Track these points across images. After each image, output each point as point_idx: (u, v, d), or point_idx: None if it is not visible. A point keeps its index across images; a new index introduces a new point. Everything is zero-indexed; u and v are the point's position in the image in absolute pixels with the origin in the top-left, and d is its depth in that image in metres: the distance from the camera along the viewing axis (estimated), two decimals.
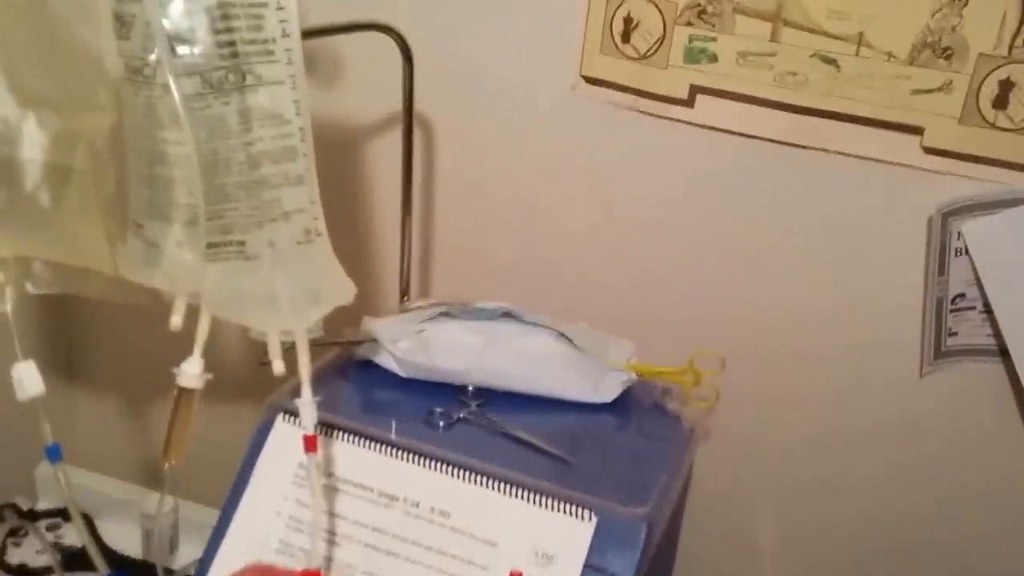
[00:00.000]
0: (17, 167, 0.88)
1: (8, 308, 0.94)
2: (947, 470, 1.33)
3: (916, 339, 1.27)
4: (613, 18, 1.28)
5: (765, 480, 1.44)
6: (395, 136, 1.33)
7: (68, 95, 0.87)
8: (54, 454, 0.99)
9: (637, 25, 1.27)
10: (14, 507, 1.68)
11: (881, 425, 1.34)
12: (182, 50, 0.76)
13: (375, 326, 1.17)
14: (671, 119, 1.30)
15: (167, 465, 0.95)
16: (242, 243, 0.84)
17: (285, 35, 0.80)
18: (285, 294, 0.87)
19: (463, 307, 1.21)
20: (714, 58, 1.24)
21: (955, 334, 1.25)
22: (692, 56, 1.25)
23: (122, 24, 0.79)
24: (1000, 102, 1.12)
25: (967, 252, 1.19)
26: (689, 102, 1.27)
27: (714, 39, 1.23)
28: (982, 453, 1.30)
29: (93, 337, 1.80)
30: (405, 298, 1.38)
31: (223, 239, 0.83)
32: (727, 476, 1.44)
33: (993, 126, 1.13)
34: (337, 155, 1.45)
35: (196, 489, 1.39)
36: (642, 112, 1.31)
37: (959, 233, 1.18)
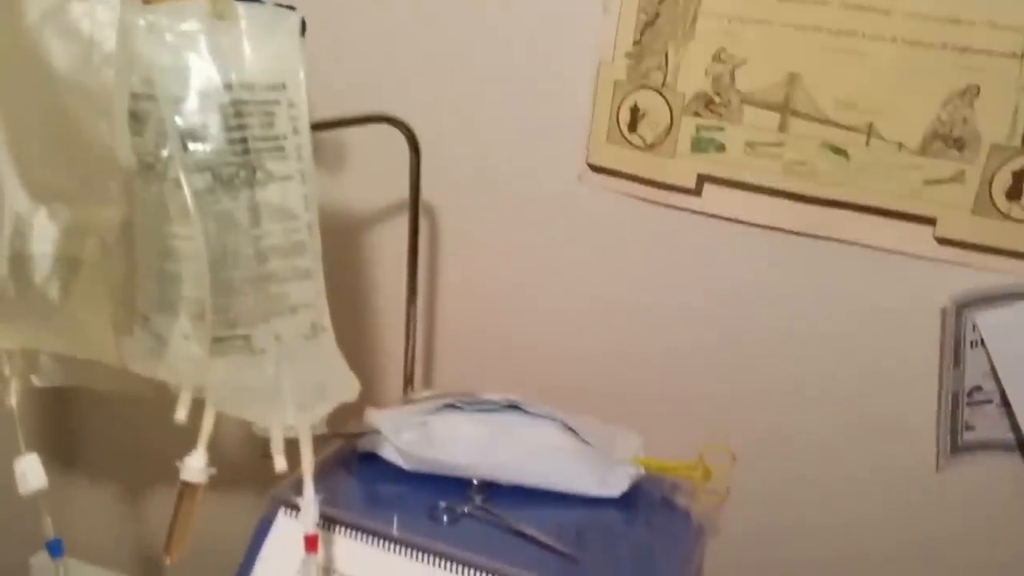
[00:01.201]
0: (28, 261, 0.88)
1: (13, 402, 0.93)
2: (964, 566, 1.31)
3: (932, 432, 1.25)
4: (620, 108, 1.28)
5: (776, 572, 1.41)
6: (397, 223, 1.32)
7: (80, 189, 0.87)
8: (55, 549, 0.98)
9: (644, 115, 1.27)
10: None
11: (897, 521, 1.31)
12: (194, 146, 0.76)
13: (378, 418, 1.15)
14: (678, 208, 1.29)
15: (169, 560, 0.93)
16: (248, 337, 0.83)
17: (296, 132, 0.81)
18: (290, 389, 0.86)
19: (468, 399, 1.19)
20: (722, 148, 1.23)
21: (972, 428, 1.23)
22: (700, 146, 1.25)
23: (136, 121, 0.79)
24: (1014, 193, 1.11)
25: (983, 344, 1.18)
26: (697, 191, 1.27)
27: (722, 129, 1.23)
28: (1001, 550, 1.28)
29: (91, 424, 1.79)
30: (409, 388, 1.36)
31: (229, 333, 0.83)
32: (737, 569, 1.41)
33: (1007, 217, 1.12)
34: (339, 242, 1.45)
35: None
36: (649, 201, 1.31)
37: (974, 325, 1.17)
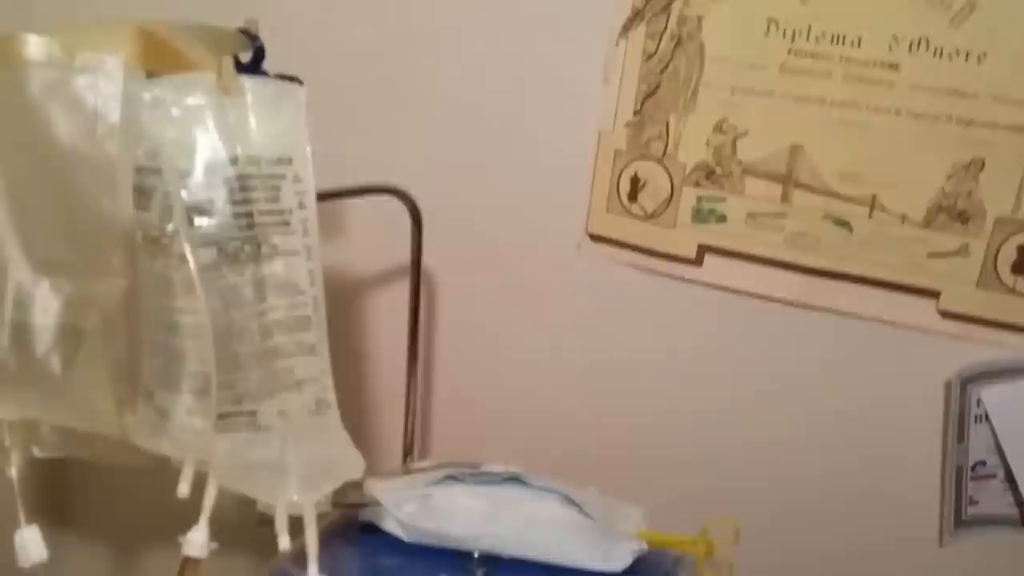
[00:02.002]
0: (29, 331, 0.87)
1: (13, 473, 0.93)
2: None
3: (935, 506, 1.24)
4: (620, 177, 1.28)
5: None
6: (395, 292, 1.32)
7: (82, 260, 0.86)
8: None
9: (644, 185, 1.27)
10: None
11: None
12: (200, 221, 0.76)
13: (379, 490, 1.14)
14: (679, 278, 1.29)
15: None
16: (253, 413, 0.83)
17: (302, 206, 0.81)
18: (295, 466, 0.85)
19: (469, 470, 1.18)
20: (723, 218, 1.23)
21: (976, 503, 1.22)
22: (701, 216, 1.24)
23: (141, 195, 0.79)
24: (1019, 267, 1.10)
25: (987, 419, 1.17)
26: (697, 261, 1.27)
27: (723, 199, 1.23)
28: None
29: (88, 487, 1.78)
30: (408, 457, 1.35)
31: (234, 409, 0.82)
32: None
33: (1012, 291, 1.12)
34: (333, 310, 1.44)
35: None
36: (649, 271, 1.30)
37: (979, 400, 1.16)
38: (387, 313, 1.47)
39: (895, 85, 1.11)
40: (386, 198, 1.19)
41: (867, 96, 1.12)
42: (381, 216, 1.31)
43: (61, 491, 1.78)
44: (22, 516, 0.92)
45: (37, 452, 0.95)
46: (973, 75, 1.07)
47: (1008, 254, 1.11)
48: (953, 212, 1.12)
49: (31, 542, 0.93)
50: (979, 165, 1.09)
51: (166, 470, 0.90)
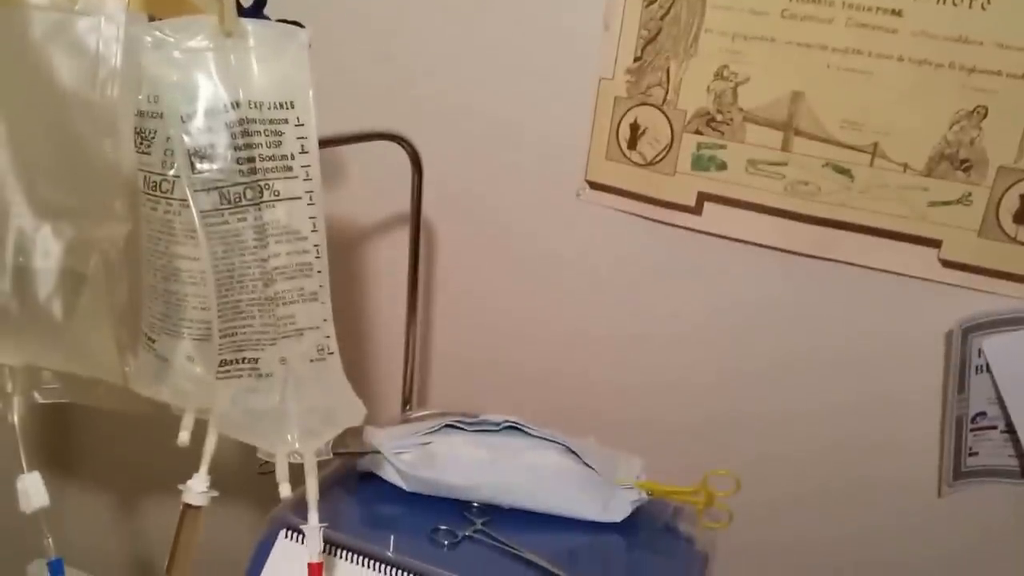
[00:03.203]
0: (30, 275, 0.87)
1: (15, 418, 0.92)
2: None
3: (934, 456, 1.25)
4: (620, 124, 1.27)
5: None
6: (394, 241, 1.32)
7: (84, 205, 0.86)
8: (57, 569, 0.98)
9: (644, 132, 1.26)
10: None
11: (897, 541, 1.31)
12: (201, 165, 0.75)
13: (378, 438, 1.14)
14: (677, 226, 1.29)
15: None
16: (255, 360, 0.83)
17: (303, 151, 0.80)
18: (296, 414, 0.85)
19: (469, 418, 1.18)
20: (723, 166, 1.23)
21: (975, 454, 1.22)
22: (700, 163, 1.24)
23: (143, 139, 0.78)
24: (1021, 216, 1.10)
25: (988, 369, 1.17)
26: (697, 209, 1.26)
27: (723, 147, 1.22)
28: (1001, 573, 1.27)
29: (89, 434, 1.78)
30: (408, 407, 1.35)
31: (236, 356, 0.82)
32: None
33: (1014, 240, 1.11)
34: (334, 258, 1.44)
35: None
36: (648, 218, 1.30)
37: (980, 350, 1.16)
38: (386, 262, 1.47)
39: (898, 31, 1.10)
40: (384, 148, 1.18)
41: (869, 43, 1.12)
42: (381, 166, 1.30)
43: (62, 439, 1.79)
44: (24, 461, 0.92)
45: (39, 397, 0.95)
46: (977, 21, 1.06)
47: (1010, 203, 1.10)
48: (955, 161, 1.11)
49: (33, 488, 0.93)
50: (982, 113, 1.09)
51: (167, 417, 0.89)
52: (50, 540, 0.96)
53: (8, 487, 0.93)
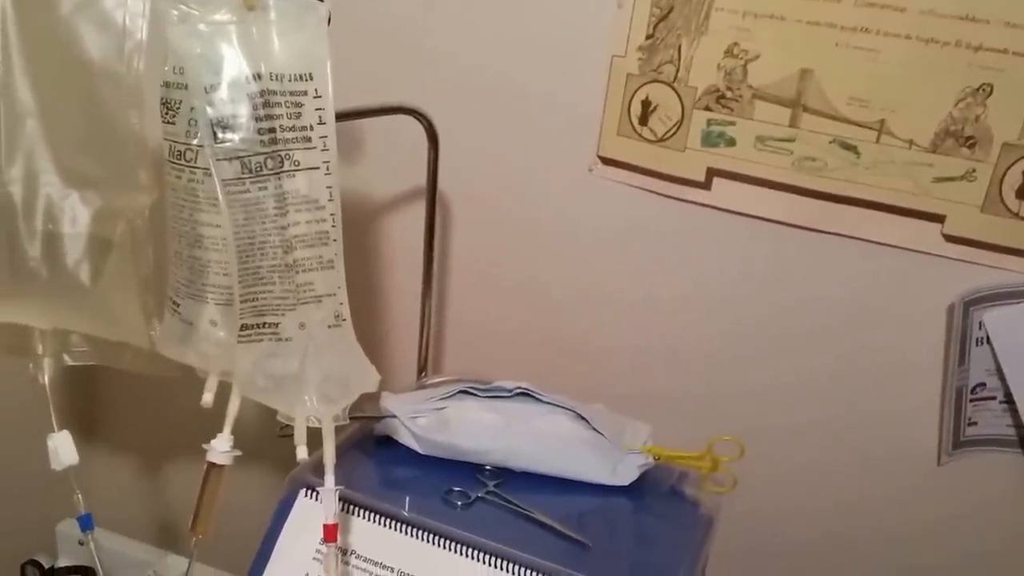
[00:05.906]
0: (58, 241, 0.89)
1: (46, 380, 0.95)
2: (961, 552, 1.33)
3: (934, 426, 1.27)
4: (631, 101, 1.29)
5: (780, 559, 1.43)
6: (410, 212, 1.33)
7: (111, 175, 0.88)
8: (86, 523, 1.00)
9: (655, 108, 1.28)
10: (36, 564, 1.68)
11: (897, 509, 1.34)
12: (224, 135, 0.77)
13: (394, 403, 1.16)
14: (687, 201, 1.30)
15: (195, 540, 0.96)
16: (276, 325, 0.85)
17: (321, 122, 0.82)
18: (314, 379, 0.88)
19: (482, 385, 1.20)
20: (732, 142, 1.24)
21: (974, 424, 1.24)
22: (710, 140, 1.26)
23: (168, 109, 0.80)
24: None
25: (988, 342, 1.18)
26: (706, 185, 1.28)
27: (732, 123, 1.24)
28: (997, 542, 1.30)
29: (116, 394, 1.81)
30: (423, 374, 1.38)
31: (257, 321, 0.84)
32: (738, 552, 1.43)
33: (1016, 216, 1.13)
34: (351, 231, 1.46)
35: (210, 555, 1.38)
36: (658, 194, 1.32)
37: (981, 322, 1.18)
38: (402, 234, 1.49)
39: (906, 10, 1.11)
40: (400, 122, 1.20)
41: (877, 21, 1.13)
42: (397, 140, 1.32)
43: (89, 400, 1.81)
44: (55, 420, 0.95)
45: (68, 360, 0.98)
46: (984, 0, 1.08)
47: (1014, 179, 1.12)
48: (960, 137, 1.13)
49: (63, 446, 0.96)
50: (988, 91, 1.10)
51: (191, 380, 0.92)
52: (79, 496, 0.98)
53: (38, 447, 0.96)
